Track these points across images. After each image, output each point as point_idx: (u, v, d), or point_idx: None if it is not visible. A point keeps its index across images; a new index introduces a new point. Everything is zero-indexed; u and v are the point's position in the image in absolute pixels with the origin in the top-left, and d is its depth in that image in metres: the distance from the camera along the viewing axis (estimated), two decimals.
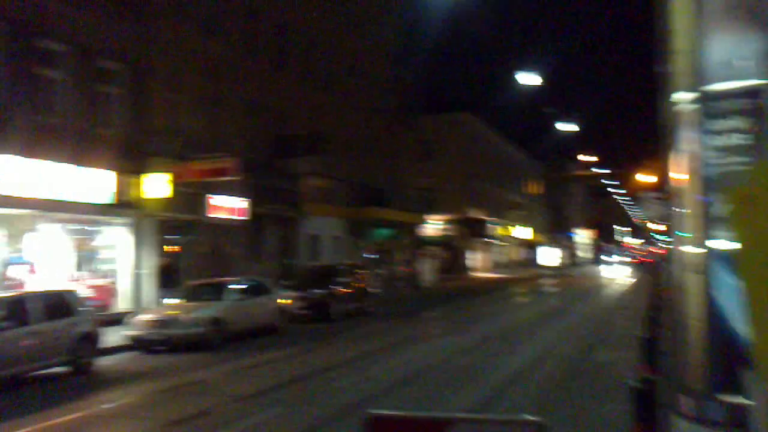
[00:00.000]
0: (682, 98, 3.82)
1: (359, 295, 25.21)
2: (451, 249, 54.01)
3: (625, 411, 4.63)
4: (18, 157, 17.31)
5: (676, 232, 3.93)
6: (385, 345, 16.42)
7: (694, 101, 3.68)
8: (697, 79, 3.68)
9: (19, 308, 12.90)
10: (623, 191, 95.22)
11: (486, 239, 62.31)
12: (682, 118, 3.86)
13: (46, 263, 19.12)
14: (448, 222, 54.53)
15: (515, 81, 45.61)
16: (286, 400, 10.60)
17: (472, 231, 57.67)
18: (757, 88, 3.43)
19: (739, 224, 2.05)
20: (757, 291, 2.01)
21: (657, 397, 6.23)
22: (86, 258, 20.96)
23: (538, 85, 45.95)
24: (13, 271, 18.16)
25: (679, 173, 3.89)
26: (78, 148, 19.30)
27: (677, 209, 3.93)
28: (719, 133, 3.53)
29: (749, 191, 2.02)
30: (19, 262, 18.42)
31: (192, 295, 18.79)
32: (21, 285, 17.68)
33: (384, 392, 10.83)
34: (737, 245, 2.05)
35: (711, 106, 3.59)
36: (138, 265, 21.83)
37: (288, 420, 9.31)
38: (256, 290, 19.65)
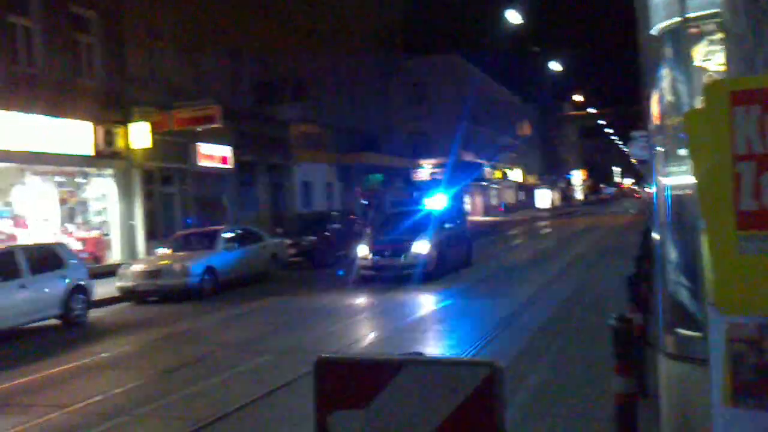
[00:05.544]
0: (656, 31, 3.73)
1: (352, 241, 25.20)
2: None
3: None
4: None
5: (656, 171, 3.89)
6: (378, 290, 16.46)
7: (666, 32, 3.60)
8: (669, 10, 3.60)
9: (8, 261, 12.89)
10: (614, 131, 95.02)
11: (479, 182, 62.27)
12: (656, 53, 3.78)
13: (37, 217, 19.08)
14: (440, 165, 54.39)
15: (502, 21, 45.00)
16: (277, 347, 10.65)
17: (466, 174, 57.58)
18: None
19: (694, 147, 1.98)
20: (714, 217, 1.95)
21: (638, 336, 6.26)
22: (76, 210, 20.92)
23: (526, 25, 45.38)
24: (2, 225, 18.12)
25: (657, 110, 3.82)
26: (56, 98, 19.10)
27: (657, 147, 3.87)
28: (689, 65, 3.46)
29: (702, 110, 1.95)
30: (8, 216, 18.36)
31: (183, 244, 18.79)
32: (12, 239, 17.66)
33: (373, 337, 10.87)
34: (694, 170, 1.98)
35: (684, 34, 3.51)
36: (129, 216, 21.80)
37: (278, 366, 9.37)
38: (247, 238, 19.62)
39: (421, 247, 17.22)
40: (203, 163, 24.70)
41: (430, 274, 16.93)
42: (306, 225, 24.49)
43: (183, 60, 24.33)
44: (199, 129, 22.64)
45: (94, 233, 21.38)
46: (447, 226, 19.01)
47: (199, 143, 24.18)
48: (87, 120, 20.05)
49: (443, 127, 54.70)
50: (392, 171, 40.71)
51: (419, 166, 48.47)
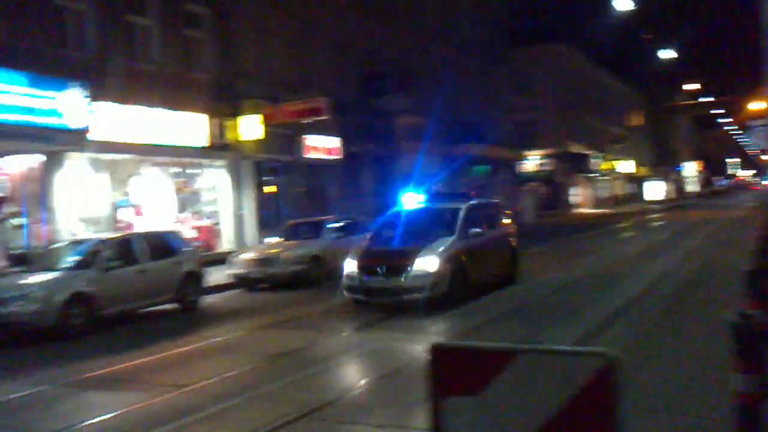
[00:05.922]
0: None
1: None
2: (551, 184, 53.09)
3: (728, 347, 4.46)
4: (115, 104, 17.96)
5: None
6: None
7: None
8: None
9: (127, 248, 13.55)
10: (732, 120, 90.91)
11: (588, 174, 60.93)
12: None
13: (152, 206, 19.93)
14: (547, 157, 53.50)
15: (610, 7, 43.76)
16: (386, 334, 10.75)
17: (573, 166, 56.43)
18: None
19: None
20: None
21: (759, 333, 5.99)
22: (189, 200, 21.74)
23: (634, 9, 43.87)
24: (121, 214, 19.02)
25: None
26: (171, 92, 19.90)
27: None
28: None
29: None
30: (127, 205, 19.26)
31: (291, 233, 19.18)
32: (129, 227, 18.53)
33: (481, 327, 10.81)
34: None
35: None
36: (239, 206, 22.47)
37: (390, 352, 9.48)
38: (353, 228, 19.82)
39: (428, 262, 12.41)
40: (310, 154, 25.19)
41: (442, 301, 12.28)
42: None
43: (290, 54, 24.82)
44: (306, 121, 23.09)
45: (206, 222, 22.16)
46: (474, 231, 13.79)
47: (306, 135, 24.66)
48: (200, 113, 20.77)
49: (550, 118, 53.76)
50: (498, 162, 40.33)
51: (526, 157, 47.79)
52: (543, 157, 52.78)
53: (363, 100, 28.09)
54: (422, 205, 15.46)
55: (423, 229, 13.80)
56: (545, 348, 3.09)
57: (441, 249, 12.78)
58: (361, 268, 12.88)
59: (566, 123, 55.43)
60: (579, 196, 60.02)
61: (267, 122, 22.14)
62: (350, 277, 13.00)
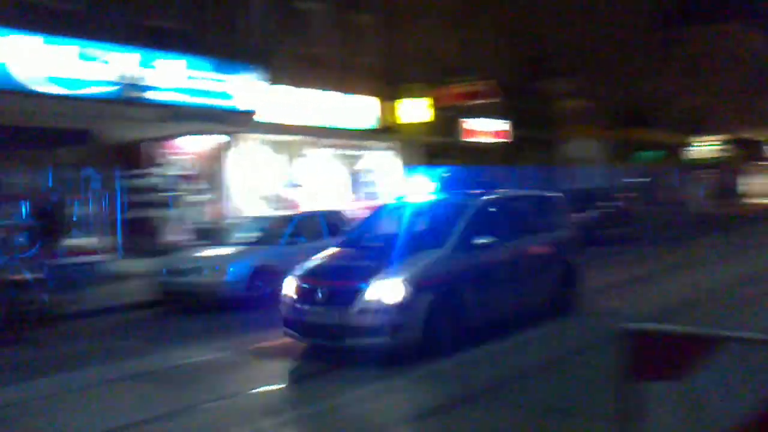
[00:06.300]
0: None
1: (623, 220, 24.23)
2: (722, 173, 50.24)
3: None
4: (286, 87, 18.71)
5: None
6: (657, 270, 15.63)
7: None
8: None
9: (306, 225, 14.10)
10: None
11: (763, 162, 57.19)
12: None
13: (321, 186, 20.66)
14: (718, 143, 50.68)
15: None
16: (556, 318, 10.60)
17: (747, 153, 53.12)
18: None
19: None
20: None
21: None
22: (357, 180, 22.32)
23: None
24: (291, 193, 19.84)
25: None
26: (341, 76, 20.49)
27: None
28: None
29: None
30: (296, 184, 20.07)
31: None
32: (297, 205, 19.30)
33: (663, 315, 10.37)
34: None
35: None
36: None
37: (549, 339, 9.37)
38: None
39: (388, 289, 7.97)
40: (473, 137, 25.19)
41: (415, 350, 7.98)
42: (575, 201, 23.89)
43: (455, 37, 24.86)
44: (474, 104, 23.12)
45: (373, 202, 22.66)
46: (480, 241, 8.87)
47: (467, 118, 24.67)
48: (368, 95, 21.26)
49: (723, 102, 50.71)
50: (666, 148, 38.67)
51: (695, 144, 45.48)
52: (714, 143, 50.05)
53: (526, 82, 27.73)
54: (434, 199, 10.71)
55: (414, 236, 9.57)
56: (758, 337, 2.99)
57: (415, 269, 8.24)
58: (299, 290, 8.61)
59: (740, 108, 52.13)
60: (753, 185, 56.44)
61: (434, 105, 22.36)
62: (284, 303, 8.81)
